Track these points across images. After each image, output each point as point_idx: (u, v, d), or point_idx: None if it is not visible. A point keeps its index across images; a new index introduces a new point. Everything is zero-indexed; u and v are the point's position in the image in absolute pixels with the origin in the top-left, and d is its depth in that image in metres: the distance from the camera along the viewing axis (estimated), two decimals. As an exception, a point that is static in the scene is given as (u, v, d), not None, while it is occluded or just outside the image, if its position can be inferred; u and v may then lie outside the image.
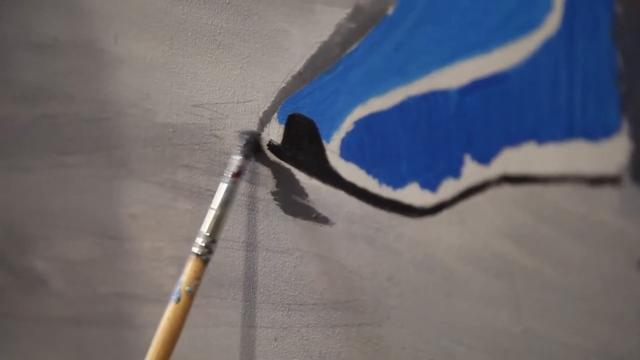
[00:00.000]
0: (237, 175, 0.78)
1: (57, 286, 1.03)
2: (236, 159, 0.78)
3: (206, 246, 0.77)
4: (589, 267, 0.62)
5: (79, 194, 0.97)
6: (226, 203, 0.77)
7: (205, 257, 0.77)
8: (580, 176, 0.61)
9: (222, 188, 0.78)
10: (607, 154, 0.59)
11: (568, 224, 0.62)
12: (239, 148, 0.79)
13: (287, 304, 0.82)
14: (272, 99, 0.77)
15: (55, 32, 0.92)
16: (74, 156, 0.95)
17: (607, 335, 0.62)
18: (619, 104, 0.58)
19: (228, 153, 0.82)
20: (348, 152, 0.74)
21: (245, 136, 0.79)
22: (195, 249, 0.77)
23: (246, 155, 0.79)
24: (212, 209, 0.77)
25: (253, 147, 0.79)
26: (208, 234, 0.77)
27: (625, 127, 0.58)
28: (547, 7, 0.59)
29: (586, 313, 0.63)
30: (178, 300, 0.76)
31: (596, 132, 0.59)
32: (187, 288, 0.76)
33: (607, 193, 0.59)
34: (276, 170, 0.79)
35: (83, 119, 0.93)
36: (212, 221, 0.77)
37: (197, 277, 0.77)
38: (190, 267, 0.77)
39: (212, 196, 0.84)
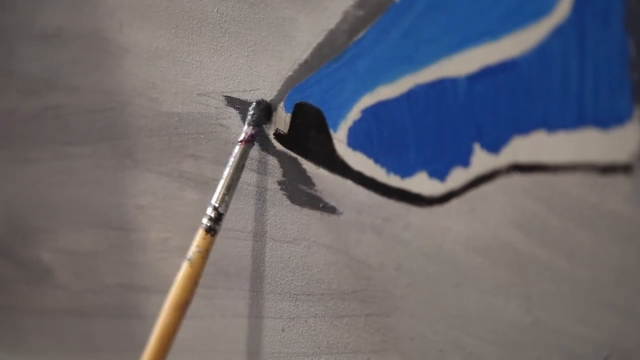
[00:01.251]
0: (246, 142, 0.77)
1: (63, 278, 1.03)
2: (246, 126, 0.78)
3: (211, 217, 0.77)
4: (599, 257, 0.61)
5: (84, 185, 0.97)
6: (234, 170, 0.77)
7: (209, 228, 0.77)
8: (591, 165, 0.60)
9: (232, 155, 0.77)
10: (619, 142, 0.58)
11: (579, 213, 0.61)
12: (249, 116, 0.78)
13: (294, 294, 0.82)
14: (279, 88, 0.76)
15: (59, 22, 0.92)
16: (79, 147, 0.95)
17: (618, 328, 0.61)
18: (631, 92, 0.57)
19: (234, 142, 0.81)
20: (355, 141, 0.73)
21: (254, 104, 0.78)
22: (204, 220, 0.77)
23: (255, 122, 0.78)
24: (223, 177, 0.77)
25: (263, 114, 0.78)
26: (216, 204, 0.77)
27: (637, 114, 0.57)
28: (557, -7, 0.59)
29: (597, 305, 0.62)
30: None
31: (607, 120, 0.58)
32: (187, 255, 0.77)
33: (618, 182, 0.59)
34: (283, 159, 0.78)
35: (88, 109, 0.93)
36: (219, 189, 0.77)
37: (197, 246, 0.77)
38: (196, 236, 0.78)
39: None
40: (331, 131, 0.74)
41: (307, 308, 0.81)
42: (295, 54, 0.74)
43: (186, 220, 0.89)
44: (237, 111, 0.80)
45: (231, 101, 0.80)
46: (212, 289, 0.88)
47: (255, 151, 0.80)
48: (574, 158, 0.61)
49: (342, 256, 0.77)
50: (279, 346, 0.84)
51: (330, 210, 0.77)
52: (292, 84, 0.76)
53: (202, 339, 0.91)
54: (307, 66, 0.74)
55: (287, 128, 0.77)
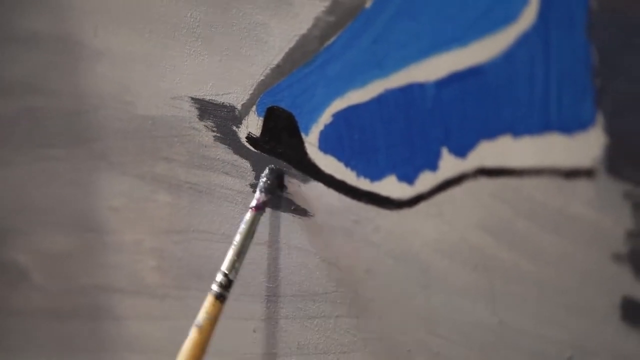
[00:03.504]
0: (257, 209, 0.76)
1: (38, 279, 1.03)
2: (258, 193, 0.77)
3: (221, 283, 0.76)
4: (564, 260, 0.62)
5: (59, 187, 0.97)
6: (245, 237, 0.76)
7: (219, 294, 0.76)
8: (555, 169, 0.61)
9: (243, 222, 0.76)
10: (582, 147, 0.59)
11: (544, 217, 0.62)
12: (262, 182, 0.77)
13: (265, 295, 0.82)
14: (251, 92, 0.77)
15: (34, 26, 0.92)
16: (55, 150, 0.95)
17: (582, 328, 0.62)
18: (594, 98, 0.58)
19: (207, 145, 0.82)
20: (326, 144, 0.74)
21: (267, 171, 0.77)
22: (213, 286, 0.76)
23: (268, 190, 0.77)
24: (233, 244, 0.76)
25: (276, 182, 0.77)
26: (226, 271, 0.76)
27: (600, 120, 0.58)
28: (523, 1, 0.60)
29: (561, 306, 0.63)
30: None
31: (571, 125, 0.59)
32: (196, 321, 0.76)
33: (582, 186, 0.60)
34: (255, 162, 0.79)
35: (63, 112, 0.93)
36: (229, 256, 0.76)
37: (207, 312, 0.75)
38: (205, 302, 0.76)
39: (192, 188, 0.84)
40: (303, 135, 0.75)
41: (278, 309, 0.82)
42: (267, 59, 0.75)
43: (160, 223, 0.89)
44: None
45: (204, 105, 0.81)
46: (184, 291, 0.88)
47: (227, 154, 0.81)
48: (539, 163, 0.62)
49: (313, 258, 0.78)
50: (251, 347, 0.85)
51: (302, 212, 0.77)
52: (264, 88, 0.76)
53: (175, 340, 0.91)
54: (278, 71, 0.75)
55: (259, 131, 0.78)
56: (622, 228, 0.58)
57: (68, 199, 0.96)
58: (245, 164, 0.80)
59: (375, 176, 0.72)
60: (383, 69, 0.68)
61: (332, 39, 0.70)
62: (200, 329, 0.75)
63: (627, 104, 0.56)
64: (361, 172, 0.72)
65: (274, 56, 0.74)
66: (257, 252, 0.81)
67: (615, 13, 0.56)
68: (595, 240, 0.60)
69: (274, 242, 0.80)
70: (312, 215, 0.77)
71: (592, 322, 0.62)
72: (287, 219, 0.78)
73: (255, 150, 0.79)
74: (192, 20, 0.79)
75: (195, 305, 0.88)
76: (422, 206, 0.69)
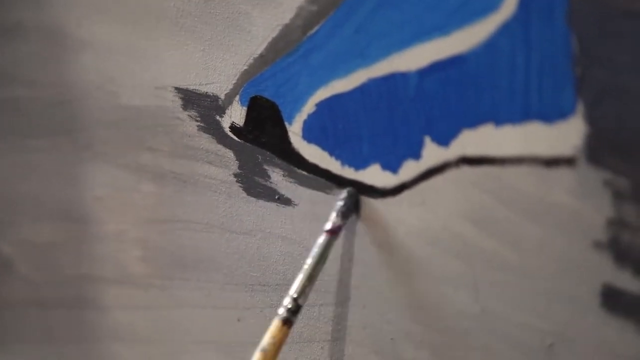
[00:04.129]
0: (332, 232, 0.73)
1: (23, 270, 1.03)
2: (333, 216, 0.73)
3: (289, 308, 0.72)
4: (545, 248, 0.62)
5: (43, 177, 0.97)
6: (317, 262, 0.73)
7: (286, 319, 0.72)
8: (536, 158, 0.61)
9: (316, 245, 0.73)
10: (563, 136, 0.59)
11: (525, 205, 0.63)
12: (339, 205, 0.73)
13: (250, 285, 0.82)
14: (234, 82, 0.77)
15: (18, 16, 0.92)
16: (38, 140, 0.95)
17: (562, 316, 0.63)
18: (574, 87, 0.58)
19: (190, 135, 0.82)
20: (310, 133, 0.74)
21: (346, 194, 0.74)
22: (280, 310, 0.73)
23: (344, 214, 0.73)
24: (304, 267, 0.73)
25: (352, 206, 0.74)
26: (295, 296, 0.72)
27: (580, 109, 0.58)
28: (504, -10, 0.60)
29: (542, 294, 0.63)
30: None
31: (552, 114, 0.60)
32: (261, 346, 0.72)
33: (562, 175, 0.60)
34: (239, 152, 0.79)
35: (47, 102, 0.93)
36: (299, 282, 0.72)
37: (272, 336, 0.72)
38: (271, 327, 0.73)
39: (176, 178, 0.85)
40: (286, 124, 0.75)
41: (263, 298, 0.82)
42: (251, 48, 0.75)
43: (144, 212, 0.89)
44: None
45: (188, 94, 0.81)
46: (168, 280, 0.88)
47: (211, 144, 0.81)
48: (520, 151, 0.62)
49: (297, 247, 0.78)
50: (235, 336, 0.85)
51: (286, 201, 0.78)
52: (248, 77, 0.76)
53: (160, 329, 0.92)
54: (262, 60, 0.75)
55: (243, 121, 0.78)
56: (603, 216, 0.59)
57: (52, 190, 0.97)
58: (229, 154, 0.80)
59: (359, 165, 0.72)
60: (366, 58, 0.68)
61: (315, 29, 0.70)
62: (265, 353, 0.72)
63: (607, 92, 0.57)
64: (345, 161, 0.73)
65: (257, 46, 0.75)
66: (242, 241, 0.82)
67: (595, 2, 0.56)
68: (575, 229, 0.60)
69: (258, 231, 0.80)
70: (296, 205, 0.77)
71: (572, 310, 0.62)
72: (271, 208, 0.78)
73: (239, 140, 0.79)
74: (175, 10, 0.79)
75: (179, 295, 0.88)
76: (405, 195, 0.70)
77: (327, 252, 0.73)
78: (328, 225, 0.73)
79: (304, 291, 0.72)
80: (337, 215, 0.73)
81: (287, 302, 0.72)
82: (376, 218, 0.72)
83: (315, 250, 0.72)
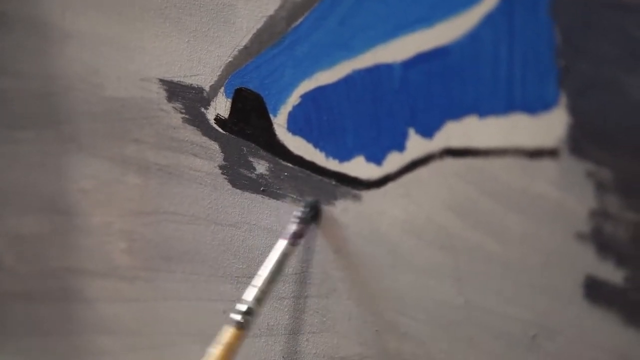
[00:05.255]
0: (293, 240, 0.74)
1: (8, 262, 1.03)
2: (294, 224, 0.74)
3: (242, 314, 0.72)
4: (528, 239, 0.63)
5: (28, 169, 0.97)
6: (276, 270, 0.73)
7: (239, 324, 0.72)
8: (520, 149, 0.61)
9: (274, 252, 0.74)
10: (546, 127, 0.59)
11: (508, 196, 0.63)
12: (298, 213, 0.74)
13: (235, 276, 0.83)
14: (219, 73, 0.77)
15: (3, 8, 0.92)
16: (24, 131, 0.95)
17: (545, 307, 0.63)
18: (557, 78, 0.58)
19: (175, 127, 0.82)
20: (295, 125, 0.74)
21: (305, 204, 0.75)
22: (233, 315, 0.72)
23: (305, 221, 0.74)
24: (258, 275, 0.73)
25: (313, 214, 0.75)
26: (249, 303, 0.72)
27: (563, 101, 0.58)
28: (487, -18, 0.60)
29: (526, 285, 0.64)
30: None
31: (535, 106, 0.60)
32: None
33: (545, 166, 0.60)
34: (224, 144, 0.79)
35: (32, 94, 0.93)
36: (256, 290, 0.72)
37: (221, 342, 0.72)
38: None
39: (161, 170, 0.84)
40: (271, 116, 0.75)
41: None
42: (235, 40, 0.75)
43: (129, 205, 0.89)
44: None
45: (173, 86, 0.81)
46: (154, 272, 0.88)
47: (196, 136, 0.81)
48: (504, 143, 0.62)
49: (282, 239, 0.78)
50: (221, 328, 0.85)
51: (271, 193, 0.77)
52: (232, 69, 0.76)
53: (145, 322, 0.92)
54: (246, 52, 0.75)
55: (228, 113, 0.78)
56: (585, 207, 0.59)
57: (37, 182, 0.96)
58: (214, 146, 0.80)
59: (343, 157, 0.72)
60: (350, 50, 0.68)
61: (300, 20, 0.70)
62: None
63: (589, 84, 0.57)
64: (330, 153, 0.73)
65: (242, 37, 0.74)
66: (227, 233, 0.82)
67: (577, -6, 0.56)
68: (558, 220, 0.60)
69: (243, 223, 0.80)
70: (281, 196, 0.77)
71: (555, 301, 0.62)
72: (256, 200, 0.78)
73: (224, 132, 0.79)
74: (160, 2, 0.79)
75: (165, 287, 0.88)
76: (390, 186, 0.70)
77: (285, 260, 0.74)
78: (290, 234, 0.74)
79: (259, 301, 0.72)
80: (298, 223, 0.74)
81: (240, 307, 0.72)
82: (361, 209, 0.72)
83: (274, 257, 0.73)
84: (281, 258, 0.74)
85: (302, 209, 0.75)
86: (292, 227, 0.74)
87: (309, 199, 0.75)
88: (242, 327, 0.72)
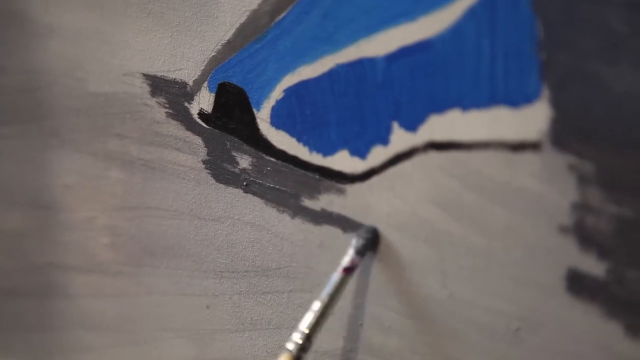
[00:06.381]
0: (348, 271, 0.71)
1: (-9, 258, 1.03)
2: (350, 254, 0.71)
3: (300, 344, 0.68)
4: (511, 233, 0.63)
5: (11, 164, 0.96)
6: (330, 299, 0.70)
7: (297, 354, 0.68)
8: (502, 142, 0.61)
9: (331, 282, 0.70)
10: (528, 120, 0.59)
11: (491, 190, 0.63)
12: (355, 242, 0.71)
13: (219, 271, 0.82)
14: (202, 68, 0.77)
15: (-16, 2, 0.92)
16: (6, 127, 0.95)
17: (528, 300, 0.63)
18: (539, 72, 0.58)
19: (159, 122, 0.82)
20: (278, 120, 0.74)
21: (363, 233, 0.72)
22: (289, 345, 0.69)
23: (360, 252, 0.71)
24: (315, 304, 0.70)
25: (370, 245, 0.72)
26: (306, 331, 0.69)
27: (545, 93, 0.58)
28: (469, -25, 0.60)
29: (509, 278, 0.64)
30: None
31: (517, 99, 0.60)
32: None
33: (528, 159, 0.60)
34: (207, 138, 0.79)
35: (15, 89, 0.92)
36: (312, 318, 0.69)
37: None
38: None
39: (144, 165, 0.84)
40: (254, 110, 0.75)
41: (232, 285, 0.82)
42: (218, 34, 0.75)
43: (113, 200, 0.89)
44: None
45: (156, 81, 0.81)
46: (138, 267, 0.88)
47: (179, 130, 0.81)
48: (487, 136, 0.62)
49: (266, 233, 0.78)
50: (204, 323, 0.85)
51: (254, 188, 0.77)
52: (216, 64, 0.76)
53: (129, 317, 0.92)
54: (230, 46, 0.75)
55: (211, 108, 0.78)
56: (567, 200, 0.59)
57: (20, 177, 0.96)
58: (198, 140, 0.80)
59: (327, 151, 0.72)
60: (333, 44, 0.68)
61: (283, 14, 0.70)
62: None
63: (571, 77, 0.57)
64: (313, 147, 0.73)
65: (225, 32, 0.74)
66: (210, 228, 0.82)
67: (560, -14, 0.56)
68: (541, 213, 0.61)
69: (227, 218, 0.80)
70: (264, 191, 0.77)
71: (538, 294, 0.62)
72: (239, 195, 0.78)
73: (207, 127, 0.79)
74: (143, -4, 0.79)
75: (148, 282, 0.88)
76: (374, 180, 0.70)
77: (340, 291, 0.71)
78: (345, 264, 0.71)
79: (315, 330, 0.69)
80: (356, 253, 0.71)
81: (296, 337, 0.69)
82: (345, 203, 0.72)
83: (328, 289, 0.70)
84: (334, 289, 0.70)
85: (359, 238, 0.72)
86: (347, 258, 0.71)
87: (367, 225, 0.72)
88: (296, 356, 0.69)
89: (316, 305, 0.69)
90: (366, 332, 0.73)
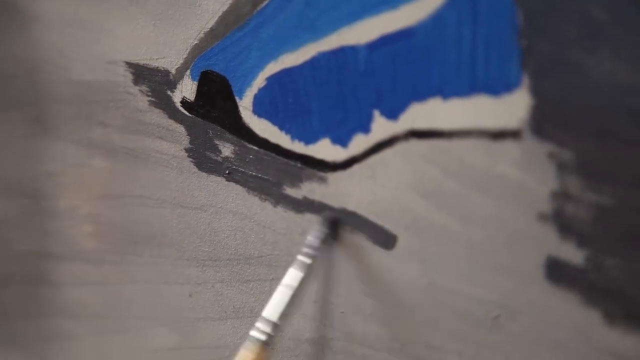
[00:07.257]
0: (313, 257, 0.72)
1: (-25, 246, 1.03)
2: (313, 241, 0.72)
3: (265, 331, 0.69)
4: (492, 220, 0.63)
5: (-6, 152, 0.96)
6: (298, 287, 0.70)
7: (263, 341, 0.69)
8: (483, 130, 0.61)
9: (293, 271, 0.71)
10: (509, 109, 0.60)
11: (472, 178, 0.63)
12: (317, 231, 0.72)
13: (201, 260, 0.82)
14: (185, 56, 0.77)
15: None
16: (-11, 114, 0.95)
17: (508, 288, 0.63)
18: (520, 60, 0.58)
19: (142, 110, 0.82)
20: (261, 108, 0.74)
21: (325, 220, 0.72)
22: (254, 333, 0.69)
23: (324, 240, 0.72)
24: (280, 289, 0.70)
25: (332, 233, 0.73)
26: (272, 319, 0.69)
27: (525, 82, 0.58)
28: (450, -37, 0.60)
29: (489, 266, 0.64)
30: None
31: (498, 87, 0.60)
32: None
33: (508, 147, 0.60)
34: (190, 127, 0.79)
35: (-3, 76, 0.93)
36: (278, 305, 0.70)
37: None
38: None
39: (127, 153, 0.84)
40: (237, 99, 0.75)
41: (214, 273, 0.82)
42: (201, 23, 0.75)
43: (96, 188, 0.89)
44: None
45: (139, 69, 0.81)
46: (121, 256, 0.88)
47: (162, 119, 0.80)
48: (467, 124, 0.62)
49: (249, 222, 0.78)
50: (187, 311, 0.85)
51: (236, 176, 0.77)
52: (198, 52, 0.76)
53: (112, 305, 0.92)
54: (212, 34, 0.75)
55: (194, 96, 0.78)
56: (547, 188, 0.59)
57: (3, 165, 0.96)
58: (180, 129, 0.80)
59: (309, 139, 0.72)
60: (315, 32, 0.68)
61: (265, 2, 0.70)
62: None
63: (551, 65, 0.57)
64: (295, 135, 0.73)
65: (208, 20, 0.74)
66: (193, 216, 0.82)
67: (540, -25, 0.57)
68: (521, 200, 0.61)
69: (209, 206, 0.80)
70: (246, 179, 0.77)
71: (518, 281, 0.62)
72: (222, 183, 0.78)
73: (190, 115, 0.79)
74: (125, -17, 0.79)
75: (131, 270, 0.88)
76: (355, 168, 0.70)
77: (308, 277, 0.71)
78: (310, 251, 0.72)
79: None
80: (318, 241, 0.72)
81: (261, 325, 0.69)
82: (327, 191, 0.72)
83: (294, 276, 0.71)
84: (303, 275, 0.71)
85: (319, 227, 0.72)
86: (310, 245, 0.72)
87: (329, 213, 0.73)
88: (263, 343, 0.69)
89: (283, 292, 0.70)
90: (347, 320, 0.73)
